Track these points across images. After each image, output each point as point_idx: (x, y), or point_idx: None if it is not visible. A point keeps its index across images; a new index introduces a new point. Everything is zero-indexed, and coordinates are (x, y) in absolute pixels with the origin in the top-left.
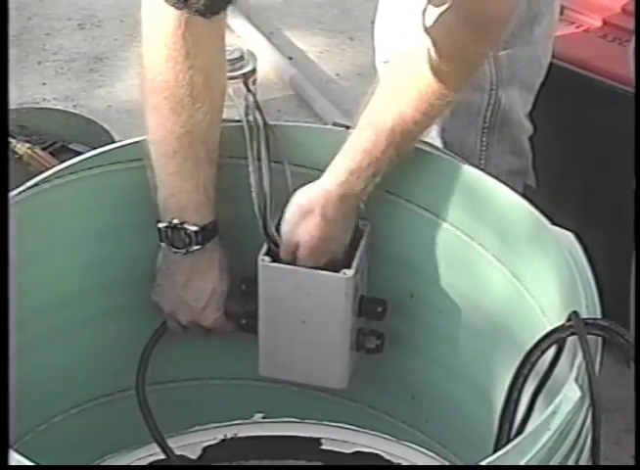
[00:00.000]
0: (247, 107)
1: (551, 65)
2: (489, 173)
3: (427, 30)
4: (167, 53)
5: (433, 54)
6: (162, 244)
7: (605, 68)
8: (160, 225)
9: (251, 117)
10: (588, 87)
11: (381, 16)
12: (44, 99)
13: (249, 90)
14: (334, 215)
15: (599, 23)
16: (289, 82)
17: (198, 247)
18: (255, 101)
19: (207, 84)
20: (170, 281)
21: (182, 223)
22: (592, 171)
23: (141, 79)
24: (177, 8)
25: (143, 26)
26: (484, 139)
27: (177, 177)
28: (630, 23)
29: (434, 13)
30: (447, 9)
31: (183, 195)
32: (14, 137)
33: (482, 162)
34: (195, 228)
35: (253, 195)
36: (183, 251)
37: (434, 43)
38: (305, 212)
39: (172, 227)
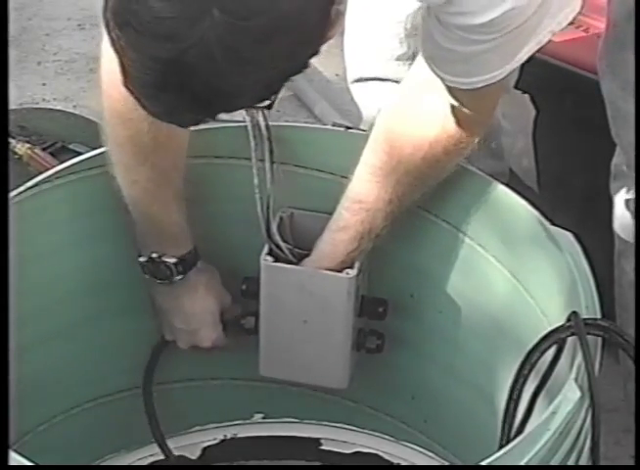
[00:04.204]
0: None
1: (555, 67)
2: None
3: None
4: (126, 111)
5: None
6: (146, 276)
7: None
8: (141, 259)
9: (253, 119)
10: (591, 89)
11: (349, 34)
12: (44, 99)
13: None
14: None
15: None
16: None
17: (180, 276)
18: None
19: (171, 133)
20: (161, 311)
21: (160, 257)
22: (592, 172)
23: (104, 131)
24: (160, 120)
25: (102, 83)
26: None
27: (146, 217)
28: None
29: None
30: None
31: (156, 232)
32: (14, 137)
33: None
34: (174, 260)
35: (257, 196)
36: (167, 281)
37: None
38: None
39: (152, 261)
